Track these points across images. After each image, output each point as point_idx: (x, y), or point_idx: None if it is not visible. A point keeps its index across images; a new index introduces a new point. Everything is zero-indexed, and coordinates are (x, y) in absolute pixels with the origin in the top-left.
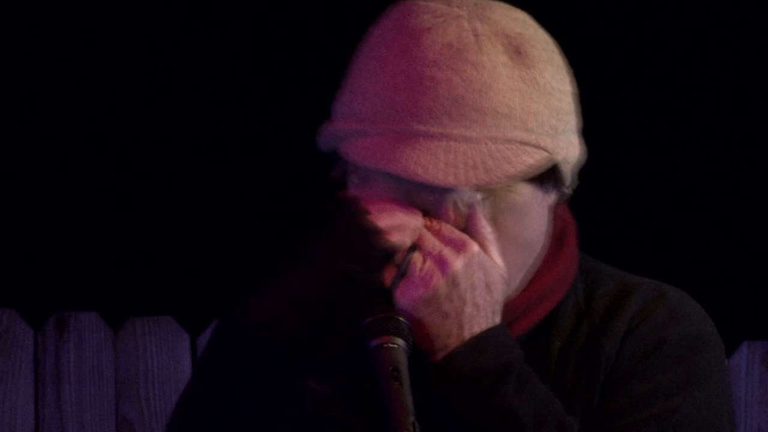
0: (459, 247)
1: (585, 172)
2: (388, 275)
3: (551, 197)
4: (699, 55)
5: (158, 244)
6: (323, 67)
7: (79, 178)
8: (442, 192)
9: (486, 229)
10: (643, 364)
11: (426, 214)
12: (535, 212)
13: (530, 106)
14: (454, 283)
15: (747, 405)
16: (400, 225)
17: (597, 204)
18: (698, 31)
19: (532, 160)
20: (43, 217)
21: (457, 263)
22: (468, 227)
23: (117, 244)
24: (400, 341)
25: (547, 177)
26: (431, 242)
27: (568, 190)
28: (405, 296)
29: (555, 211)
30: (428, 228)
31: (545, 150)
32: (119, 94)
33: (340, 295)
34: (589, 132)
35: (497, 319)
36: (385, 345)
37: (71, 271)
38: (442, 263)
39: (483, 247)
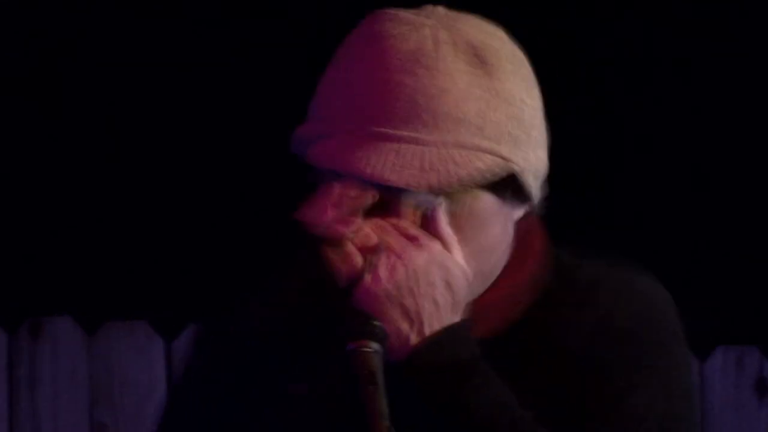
0: (420, 244)
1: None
2: (348, 272)
3: (515, 211)
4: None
5: (132, 248)
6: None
7: (51, 185)
8: (398, 193)
9: (446, 229)
10: (610, 360)
11: (388, 218)
12: (495, 222)
13: (487, 114)
14: (414, 279)
15: (721, 410)
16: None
17: (572, 204)
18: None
19: (485, 165)
20: (17, 223)
21: (418, 259)
22: (428, 229)
23: (91, 248)
24: (375, 345)
25: (505, 186)
26: (392, 239)
27: (535, 205)
28: (366, 292)
29: (521, 217)
30: (390, 226)
31: (501, 157)
32: (91, 103)
33: (315, 299)
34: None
35: (457, 318)
36: (360, 349)
37: (45, 276)
38: (403, 259)
39: (444, 247)
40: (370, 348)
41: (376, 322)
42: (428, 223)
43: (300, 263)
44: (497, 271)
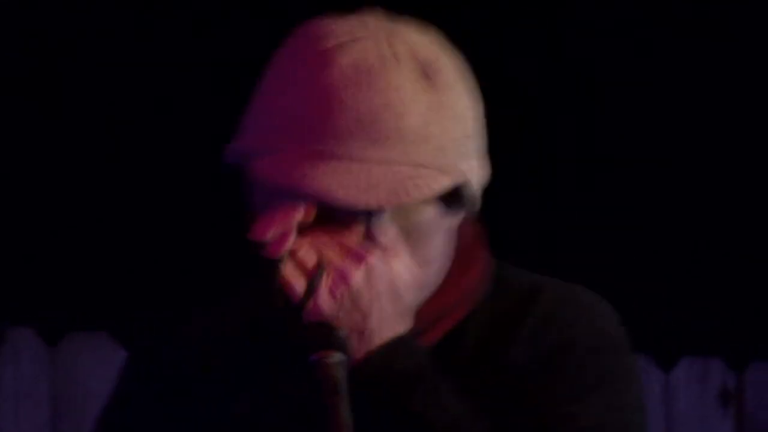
0: (359, 260)
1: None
2: (295, 292)
3: (455, 218)
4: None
5: (93, 258)
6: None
7: (10, 195)
8: (345, 209)
9: (390, 240)
10: (551, 368)
11: (332, 232)
12: (437, 232)
13: (432, 127)
14: (357, 294)
15: (685, 421)
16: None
17: (531, 218)
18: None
19: (435, 183)
20: None
21: (357, 276)
22: (373, 241)
23: (52, 259)
24: (338, 355)
25: (450, 199)
26: (332, 257)
27: (472, 210)
28: (313, 313)
29: (463, 225)
30: (332, 242)
31: (448, 173)
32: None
33: (268, 313)
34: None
35: (407, 325)
36: (323, 359)
37: (6, 287)
38: (343, 276)
39: (389, 256)
40: (333, 358)
41: (339, 333)
42: (373, 237)
43: (252, 280)
44: (439, 280)
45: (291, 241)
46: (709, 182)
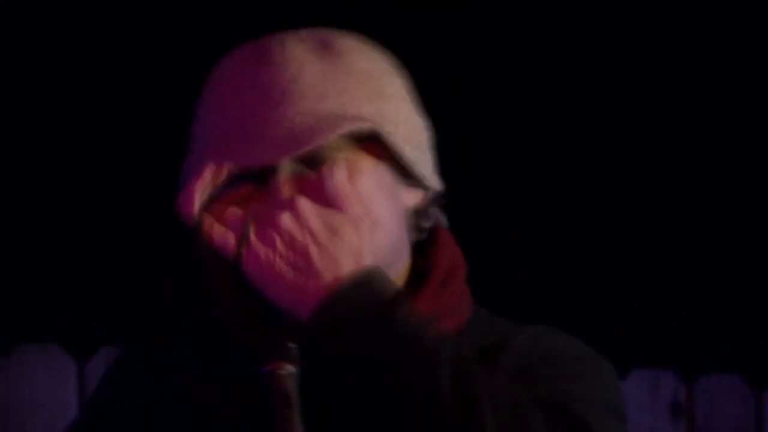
0: (284, 205)
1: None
2: (228, 249)
3: (407, 193)
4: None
5: (43, 269)
6: None
7: None
8: (268, 173)
9: (320, 182)
10: (533, 371)
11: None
12: (380, 192)
13: (345, 90)
14: (289, 237)
15: None
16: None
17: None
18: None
19: (338, 128)
20: None
21: (284, 217)
22: (310, 196)
23: (1, 270)
24: (289, 367)
25: (374, 144)
26: (258, 208)
27: (428, 188)
28: (250, 265)
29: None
30: (257, 202)
31: (360, 118)
32: None
33: (219, 323)
34: None
35: (365, 262)
36: (275, 371)
37: None
38: (272, 223)
39: (334, 201)
40: (285, 370)
41: (290, 344)
42: (308, 191)
43: (205, 293)
44: (397, 264)
45: (198, 197)
46: (663, 188)
